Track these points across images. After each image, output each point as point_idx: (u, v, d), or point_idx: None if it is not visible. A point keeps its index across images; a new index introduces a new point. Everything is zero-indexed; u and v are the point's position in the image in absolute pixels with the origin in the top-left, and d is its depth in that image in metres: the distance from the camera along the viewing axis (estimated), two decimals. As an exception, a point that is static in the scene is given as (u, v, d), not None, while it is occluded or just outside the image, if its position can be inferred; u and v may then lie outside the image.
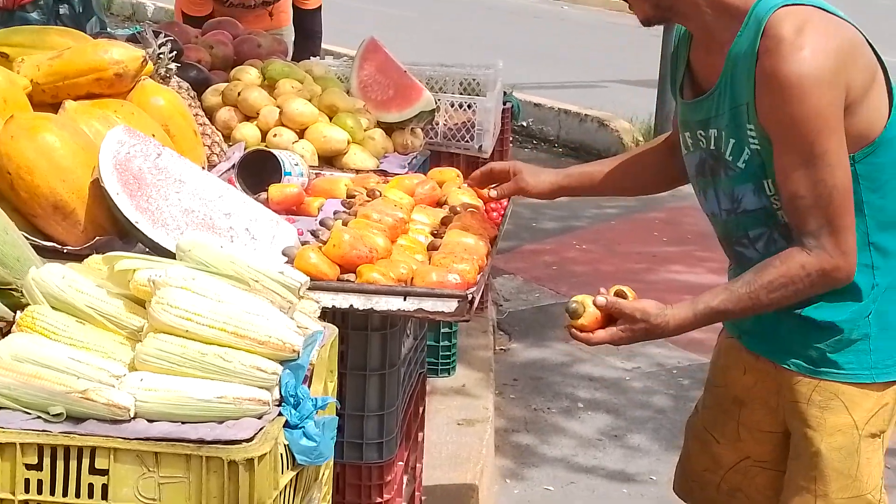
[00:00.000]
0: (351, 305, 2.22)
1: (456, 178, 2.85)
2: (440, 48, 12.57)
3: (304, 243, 2.34)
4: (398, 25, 14.64)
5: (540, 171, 2.66)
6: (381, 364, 2.40)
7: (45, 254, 2.19)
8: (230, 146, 3.13)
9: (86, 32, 4.71)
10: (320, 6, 5.14)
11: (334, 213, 2.55)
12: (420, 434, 2.93)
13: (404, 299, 2.22)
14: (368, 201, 2.57)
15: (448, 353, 3.94)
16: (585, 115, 8.88)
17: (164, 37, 2.95)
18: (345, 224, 2.39)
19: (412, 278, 2.26)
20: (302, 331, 1.83)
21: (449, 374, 3.98)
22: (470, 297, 2.21)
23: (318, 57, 4.37)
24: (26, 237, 2.20)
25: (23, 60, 2.61)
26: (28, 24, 5.00)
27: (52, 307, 1.80)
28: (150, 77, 2.75)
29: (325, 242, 2.27)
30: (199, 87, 3.37)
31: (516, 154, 6.37)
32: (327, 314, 2.20)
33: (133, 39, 3.25)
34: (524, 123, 8.73)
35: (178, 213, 2.23)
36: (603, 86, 11.17)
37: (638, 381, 4.66)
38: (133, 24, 13.62)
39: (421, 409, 2.91)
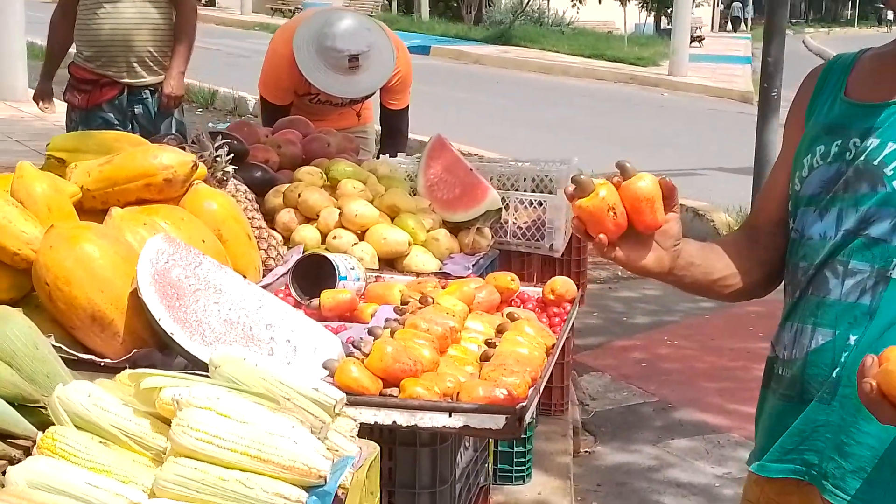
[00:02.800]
0: (394, 422, 2.11)
1: (510, 283, 2.74)
2: (536, 135, 12.62)
3: (349, 354, 2.24)
4: (495, 113, 14.74)
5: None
6: (431, 481, 2.27)
7: (83, 367, 2.13)
8: (290, 248, 3.07)
9: (160, 132, 4.79)
10: (407, 107, 4.96)
11: (385, 320, 2.45)
12: (483, 551, 2.77)
13: (449, 415, 2.09)
14: (420, 308, 2.46)
15: (522, 459, 3.77)
16: (681, 204, 8.70)
17: (222, 139, 2.92)
18: (393, 333, 2.29)
19: (458, 393, 2.13)
20: (332, 453, 1.73)
21: (524, 481, 3.80)
22: (519, 413, 2.08)
23: (404, 153, 4.30)
24: (65, 349, 2.15)
25: (75, 166, 2.59)
26: (105, 123, 5.10)
27: (77, 426, 1.72)
28: (206, 181, 2.71)
29: (367, 354, 2.16)
30: (264, 187, 3.34)
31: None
32: (373, 430, 2.09)
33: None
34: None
35: (216, 323, 2.15)
36: (702, 173, 11.00)
37: (729, 488, 4.40)
38: (235, 117, 13.97)
39: (483, 525, 2.76)
